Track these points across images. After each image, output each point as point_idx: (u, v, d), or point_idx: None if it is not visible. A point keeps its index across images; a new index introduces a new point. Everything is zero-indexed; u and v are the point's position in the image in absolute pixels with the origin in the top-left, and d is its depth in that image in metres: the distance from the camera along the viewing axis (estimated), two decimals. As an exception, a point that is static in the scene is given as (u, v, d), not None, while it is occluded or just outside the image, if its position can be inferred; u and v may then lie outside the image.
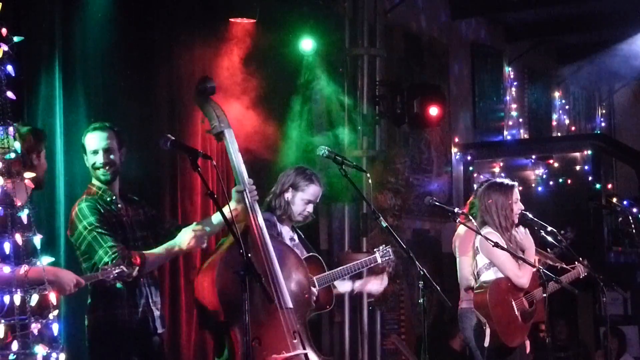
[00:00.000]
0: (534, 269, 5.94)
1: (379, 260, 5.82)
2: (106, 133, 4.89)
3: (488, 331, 5.94)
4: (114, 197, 4.88)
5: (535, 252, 6.27)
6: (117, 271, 4.28)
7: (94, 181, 4.92)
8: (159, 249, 4.79)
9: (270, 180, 7.60)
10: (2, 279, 3.64)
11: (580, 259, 6.59)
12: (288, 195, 5.49)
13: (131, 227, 4.93)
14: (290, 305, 4.84)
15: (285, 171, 5.64)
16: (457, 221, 6.04)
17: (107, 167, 4.85)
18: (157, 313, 4.91)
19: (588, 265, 6.60)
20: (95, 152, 4.86)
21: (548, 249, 6.60)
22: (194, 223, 4.90)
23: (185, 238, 4.80)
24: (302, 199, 5.50)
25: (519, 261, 5.98)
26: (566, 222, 6.99)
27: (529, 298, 6.08)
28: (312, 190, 5.50)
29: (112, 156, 4.88)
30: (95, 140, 4.86)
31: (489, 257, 6.04)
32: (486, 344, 5.95)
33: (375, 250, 5.89)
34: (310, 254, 5.55)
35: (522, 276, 5.99)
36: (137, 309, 4.81)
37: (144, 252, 4.71)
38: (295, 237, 5.58)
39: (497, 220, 6.06)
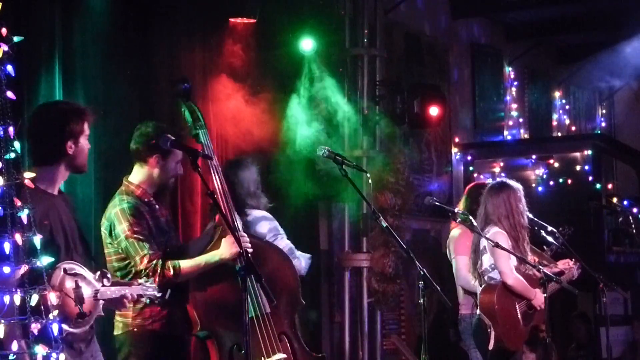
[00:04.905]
0: (533, 270, 5.93)
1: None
2: None
3: (493, 334, 5.88)
4: (151, 198, 4.84)
5: (531, 251, 6.25)
6: (148, 292, 4.19)
7: (133, 179, 4.84)
8: (195, 260, 4.68)
9: (270, 179, 7.64)
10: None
11: (573, 260, 6.54)
12: None
13: (169, 229, 4.89)
14: (268, 309, 4.77)
15: None
16: (458, 221, 6.02)
17: None
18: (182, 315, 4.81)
19: (581, 267, 6.54)
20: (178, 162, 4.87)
21: (544, 247, 6.58)
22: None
23: (227, 246, 4.68)
24: None
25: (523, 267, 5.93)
26: (566, 222, 6.95)
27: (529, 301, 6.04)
28: None
29: None
30: None
31: (493, 256, 5.98)
32: (490, 347, 5.90)
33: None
34: None
35: (514, 277, 5.89)
36: (165, 311, 4.74)
37: (179, 261, 4.64)
38: None
39: (507, 222, 5.98)
